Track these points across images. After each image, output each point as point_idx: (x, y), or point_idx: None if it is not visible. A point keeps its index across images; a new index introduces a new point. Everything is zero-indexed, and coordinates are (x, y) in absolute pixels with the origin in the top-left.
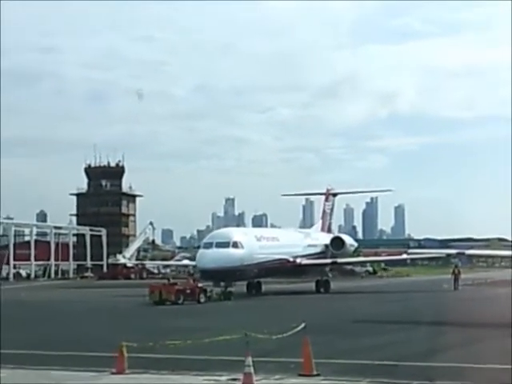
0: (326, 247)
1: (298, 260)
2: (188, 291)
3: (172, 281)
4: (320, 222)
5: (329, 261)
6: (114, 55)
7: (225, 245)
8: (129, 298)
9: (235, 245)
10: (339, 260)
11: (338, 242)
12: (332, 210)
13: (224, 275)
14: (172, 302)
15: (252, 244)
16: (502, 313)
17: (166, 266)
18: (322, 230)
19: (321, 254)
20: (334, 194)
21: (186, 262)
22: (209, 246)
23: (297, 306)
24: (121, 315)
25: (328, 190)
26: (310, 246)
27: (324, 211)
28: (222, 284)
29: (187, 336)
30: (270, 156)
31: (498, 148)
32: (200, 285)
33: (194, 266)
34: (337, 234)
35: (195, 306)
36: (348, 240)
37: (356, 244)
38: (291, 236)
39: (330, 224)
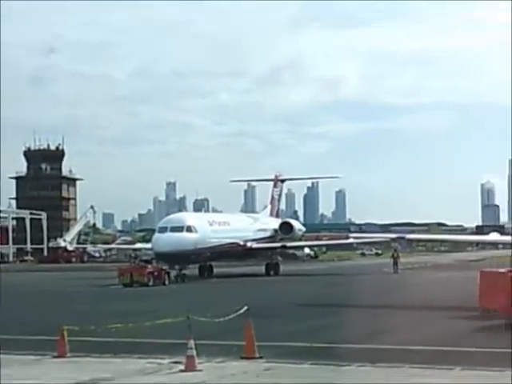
0: (276, 232)
1: (249, 244)
2: (156, 273)
3: (141, 264)
4: (269, 207)
5: (278, 245)
6: (57, 38)
7: (179, 229)
8: (86, 281)
9: (189, 229)
10: (288, 244)
11: (286, 227)
12: (280, 195)
13: (178, 258)
14: (143, 283)
15: (205, 228)
16: (441, 296)
17: (107, 250)
18: (271, 214)
19: (270, 238)
20: (283, 180)
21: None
22: (164, 230)
23: (245, 289)
24: (92, 298)
25: (276, 176)
26: (259, 230)
27: (272, 197)
28: (177, 267)
29: (138, 318)
30: (212, 140)
31: (438, 135)
32: (164, 267)
33: (135, 250)
34: (286, 219)
35: (160, 287)
36: (296, 225)
37: (304, 229)
38: (242, 221)
39: (278, 209)
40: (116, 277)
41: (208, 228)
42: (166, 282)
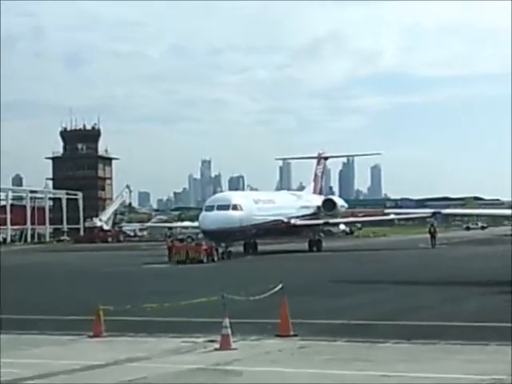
0: (318, 208)
1: (293, 221)
2: (208, 251)
3: (196, 242)
4: (312, 184)
5: (321, 221)
6: (91, 17)
7: (225, 207)
8: (125, 259)
9: (235, 207)
10: (331, 220)
11: (329, 204)
12: (323, 173)
13: (225, 235)
14: (199, 260)
15: (250, 206)
16: (480, 270)
17: (142, 229)
18: (314, 192)
19: (313, 215)
20: (326, 158)
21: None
22: (210, 208)
23: (285, 266)
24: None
25: (319, 154)
26: (303, 207)
27: (316, 174)
28: (223, 244)
29: (174, 297)
30: (247, 117)
31: (474, 107)
32: (213, 245)
33: (170, 228)
34: (329, 196)
35: (210, 264)
36: (339, 202)
37: (346, 205)
38: (285, 198)
39: (321, 186)
40: (157, 255)
41: (253, 206)
42: (215, 259)
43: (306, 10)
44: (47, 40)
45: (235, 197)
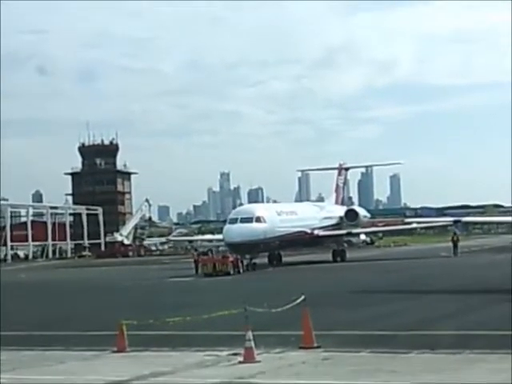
0: (341, 219)
1: (316, 232)
2: (235, 263)
3: (223, 254)
4: (334, 195)
5: (344, 232)
6: (103, 34)
7: (249, 220)
8: (148, 274)
9: (258, 219)
10: (354, 230)
11: (352, 214)
12: (344, 183)
13: (249, 248)
14: (226, 272)
15: (273, 218)
16: (502, 277)
17: (163, 243)
18: (336, 202)
19: (336, 226)
20: (347, 169)
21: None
22: (234, 221)
23: (308, 277)
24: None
25: (341, 165)
26: (325, 218)
27: (337, 185)
28: (247, 256)
29: (196, 310)
30: (264, 129)
31: (493, 115)
32: (239, 257)
33: (190, 242)
34: (351, 206)
35: (236, 276)
36: (361, 212)
37: (369, 215)
38: (308, 210)
39: (343, 197)
40: (179, 269)
41: (276, 218)
42: (241, 271)
43: (317, 21)
44: (59, 57)
45: (258, 209)
